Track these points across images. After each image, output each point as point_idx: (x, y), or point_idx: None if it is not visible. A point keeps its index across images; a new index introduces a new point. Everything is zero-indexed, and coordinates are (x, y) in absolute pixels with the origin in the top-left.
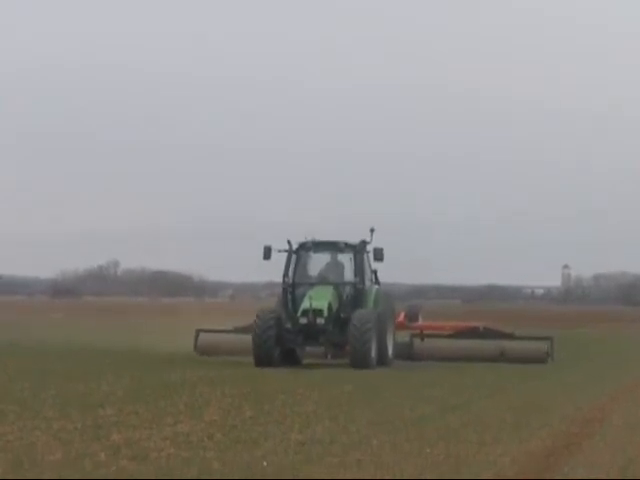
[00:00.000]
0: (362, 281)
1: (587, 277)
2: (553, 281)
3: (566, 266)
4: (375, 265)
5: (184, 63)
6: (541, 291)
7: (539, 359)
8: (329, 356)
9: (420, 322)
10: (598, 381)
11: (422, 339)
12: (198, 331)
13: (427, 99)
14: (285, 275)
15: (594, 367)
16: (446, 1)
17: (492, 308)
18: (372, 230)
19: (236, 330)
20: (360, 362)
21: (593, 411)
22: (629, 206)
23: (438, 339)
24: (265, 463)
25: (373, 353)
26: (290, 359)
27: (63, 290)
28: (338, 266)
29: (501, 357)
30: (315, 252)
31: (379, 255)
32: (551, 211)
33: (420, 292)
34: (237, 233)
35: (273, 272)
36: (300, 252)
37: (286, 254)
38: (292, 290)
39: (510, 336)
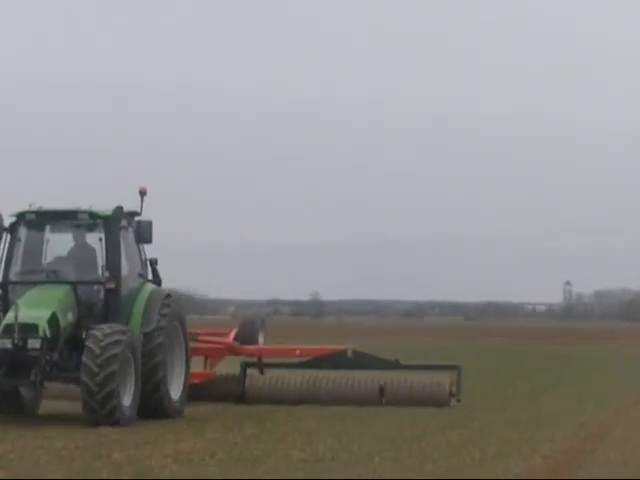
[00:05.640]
0: (116, 276)
1: (588, 294)
2: (554, 298)
3: (567, 283)
4: (148, 250)
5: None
6: (542, 308)
7: (436, 400)
8: None
9: (261, 344)
10: (601, 397)
11: (261, 370)
12: None
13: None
14: None
15: (597, 383)
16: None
17: (491, 325)
18: (143, 193)
19: None
20: (97, 413)
21: (595, 427)
22: (631, 223)
23: (285, 370)
24: None
25: (126, 399)
26: (9, 405)
27: None
28: (85, 252)
29: (379, 397)
30: (45, 230)
31: (145, 233)
32: (552, 228)
33: (422, 309)
34: (238, 252)
35: None
36: (18, 229)
37: None
38: (4, 293)
39: (393, 365)
